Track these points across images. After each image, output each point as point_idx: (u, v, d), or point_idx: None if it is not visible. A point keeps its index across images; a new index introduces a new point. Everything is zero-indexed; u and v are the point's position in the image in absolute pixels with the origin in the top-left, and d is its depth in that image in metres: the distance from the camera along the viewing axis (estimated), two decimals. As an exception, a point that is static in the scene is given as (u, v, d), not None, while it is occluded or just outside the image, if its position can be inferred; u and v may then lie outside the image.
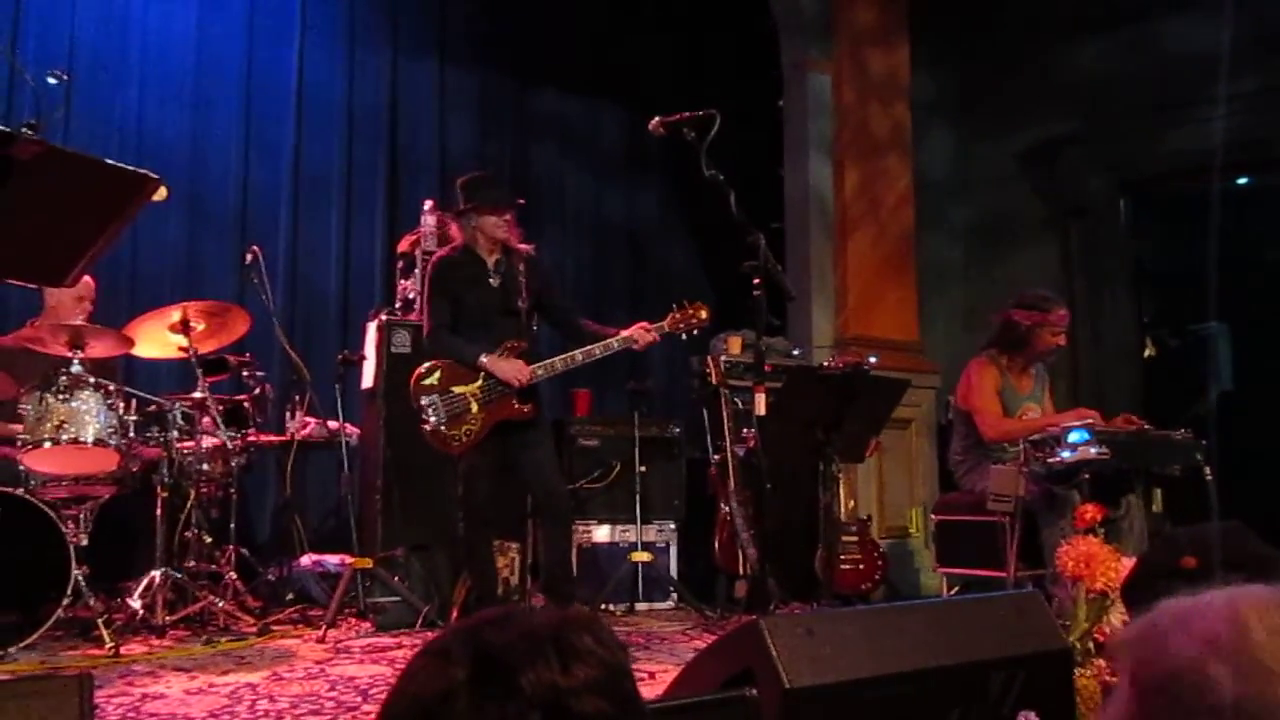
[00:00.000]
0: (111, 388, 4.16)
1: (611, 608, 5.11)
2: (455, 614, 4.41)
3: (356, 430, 5.25)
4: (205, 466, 4.61)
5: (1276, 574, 1.13)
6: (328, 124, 6.18)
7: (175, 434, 4.43)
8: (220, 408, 4.56)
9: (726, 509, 5.17)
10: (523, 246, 4.33)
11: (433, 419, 4.06)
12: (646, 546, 5.28)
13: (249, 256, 4.94)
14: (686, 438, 5.67)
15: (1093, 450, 4.13)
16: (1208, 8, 6.17)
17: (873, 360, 5.03)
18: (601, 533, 5.37)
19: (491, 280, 4.24)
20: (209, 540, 4.60)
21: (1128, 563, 2.46)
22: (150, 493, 4.37)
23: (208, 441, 4.59)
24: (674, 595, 5.32)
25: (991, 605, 2.05)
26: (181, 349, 4.49)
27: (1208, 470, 4.23)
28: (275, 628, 4.38)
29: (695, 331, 4.29)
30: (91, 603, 3.95)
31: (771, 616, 1.93)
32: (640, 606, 5.21)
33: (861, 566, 5.37)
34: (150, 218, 5.31)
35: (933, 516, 5.25)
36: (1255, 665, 0.96)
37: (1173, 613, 1.03)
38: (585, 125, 7.21)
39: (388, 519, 4.84)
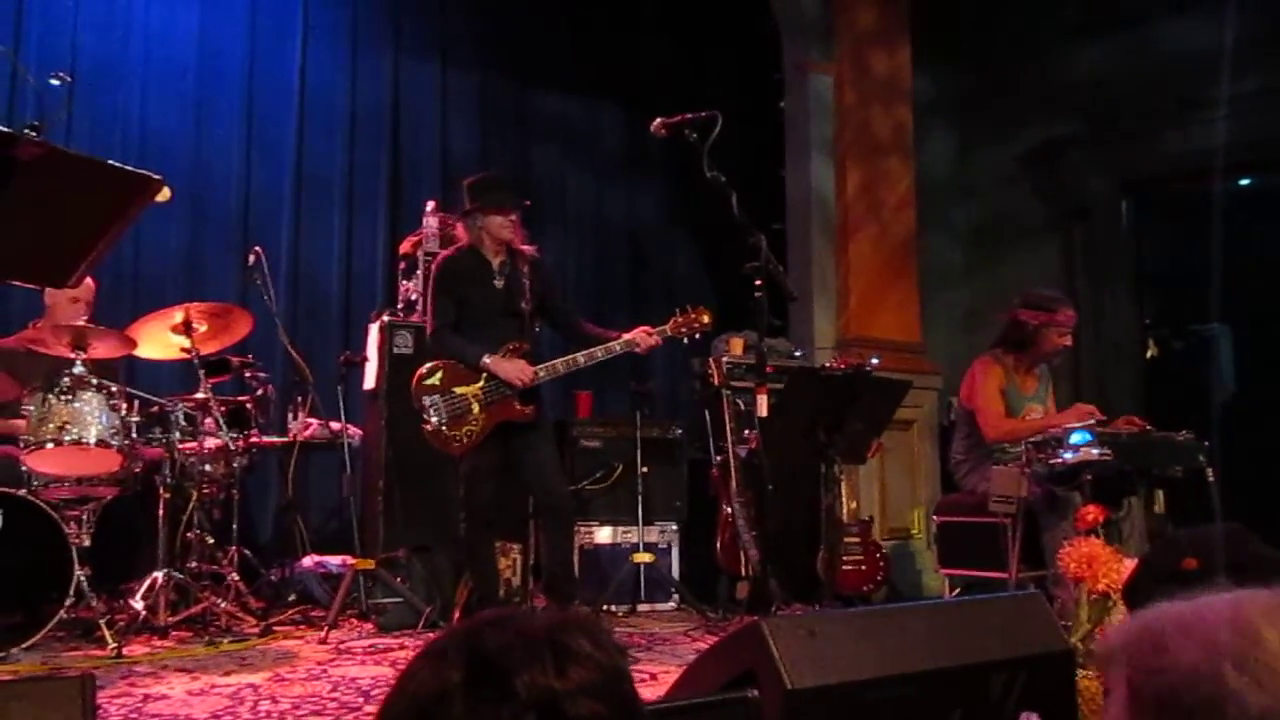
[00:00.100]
0: (114, 389, 4.16)
1: (613, 609, 5.12)
2: (457, 615, 4.41)
3: (358, 431, 5.25)
4: (207, 467, 4.61)
5: (1278, 576, 1.11)
6: (330, 125, 6.19)
7: (177, 435, 4.43)
8: (222, 409, 4.56)
9: (728, 510, 5.17)
10: (526, 248, 4.33)
11: (434, 419, 4.06)
12: (648, 548, 5.28)
13: (251, 257, 4.95)
14: (688, 439, 5.67)
15: (1094, 451, 4.13)
16: (1209, 9, 6.17)
17: (874, 361, 5.02)
18: (603, 534, 5.37)
19: (496, 281, 4.24)
20: (211, 541, 4.60)
21: (1129, 564, 2.46)
22: (152, 494, 4.37)
23: (210, 442, 4.60)
24: (676, 596, 5.32)
25: (993, 606, 2.05)
26: (184, 350, 4.49)
27: (1210, 472, 4.23)
28: (277, 629, 4.39)
29: (697, 336, 4.29)
30: (94, 604, 3.95)
31: (773, 618, 1.93)
32: (642, 607, 5.21)
33: (863, 568, 5.37)
34: (152, 219, 5.31)
35: (934, 518, 5.25)
36: (1273, 674, 0.92)
37: (1172, 619, 0.99)
38: (587, 126, 7.21)
39: (389, 520, 4.84)
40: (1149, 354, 7.21)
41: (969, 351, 5.35)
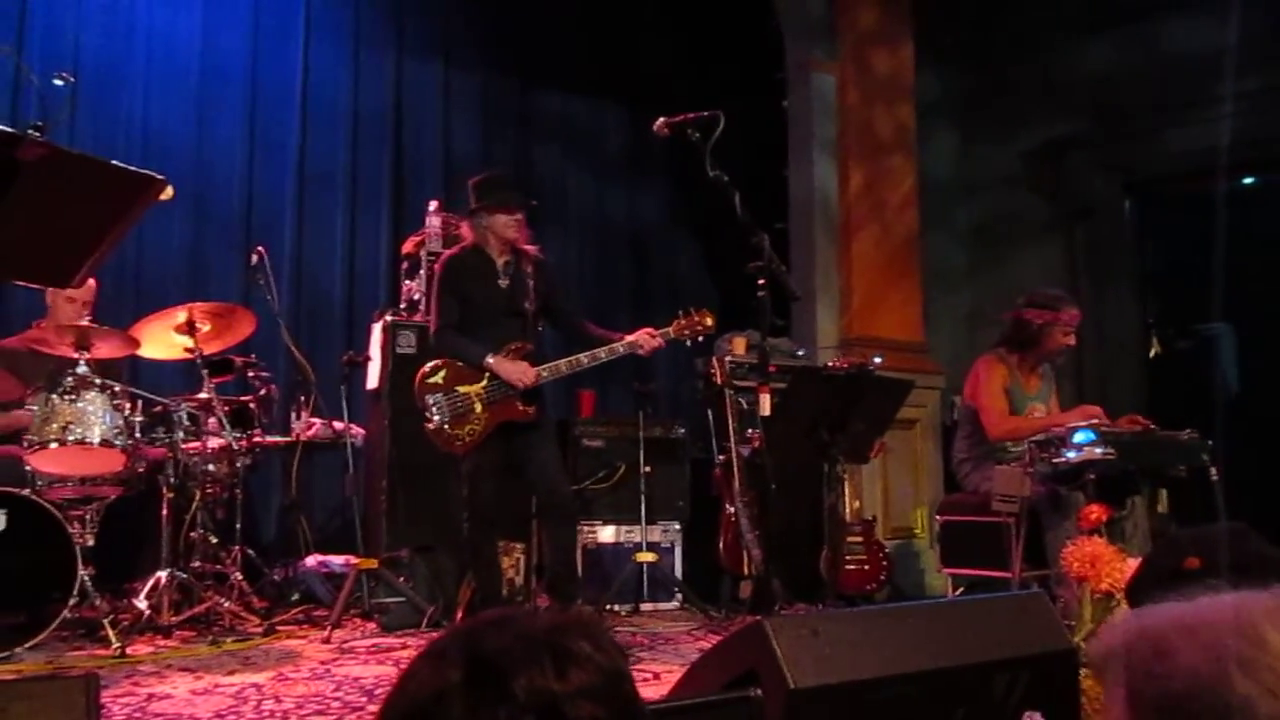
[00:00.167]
0: (117, 388, 4.17)
1: (616, 608, 5.11)
2: (460, 614, 4.41)
3: (361, 431, 5.26)
4: (211, 467, 4.62)
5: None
6: (332, 125, 6.19)
7: (181, 435, 4.44)
8: (226, 408, 4.56)
9: (731, 510, 5.17)
10: (530, 248, 4.33)
11: (436, 417, 4.06)
12: (651, 547, 5.28)
13: (254, 257, 4.95)
14: (691, 438, 5.67)
15: (1098, 451, 4.12)
16: (1212, 7, 6.15)
17: (877, 361, 5.02)
18: (606, 533, 5.38)
19: (501, 281, 4.24)
20: (214, 541, 4.61)
21: (1133, 563, 2.46)
22: (156, 493, 4.38)
23: (213, 442, 4.60)
24: (679, 596, 5.32)
25: (996, 606, 2.05)
26: (187, 350, 4.50)
27: (1213, 471, 4.22)
28: (280, 628, 4.39)
29: (700, 339, 4.29)
30: (97, 603, 3.96)
31: (776, 617, 1.93)
32: (645, 607, 5.21)
33: (866, 567, 5.37)
34: (155, 219, 5.32)
35: (937, 517, 5.24)
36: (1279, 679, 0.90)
37: (1171, 621, 0.96)
38: (589, 126, 7.21)
39: (392, 520, 4.85)
40: (1152, 353, 7.20)
41: (972, 351, 5.35)
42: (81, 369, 4.06)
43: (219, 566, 4.60)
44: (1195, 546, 1.87)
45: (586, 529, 5.24)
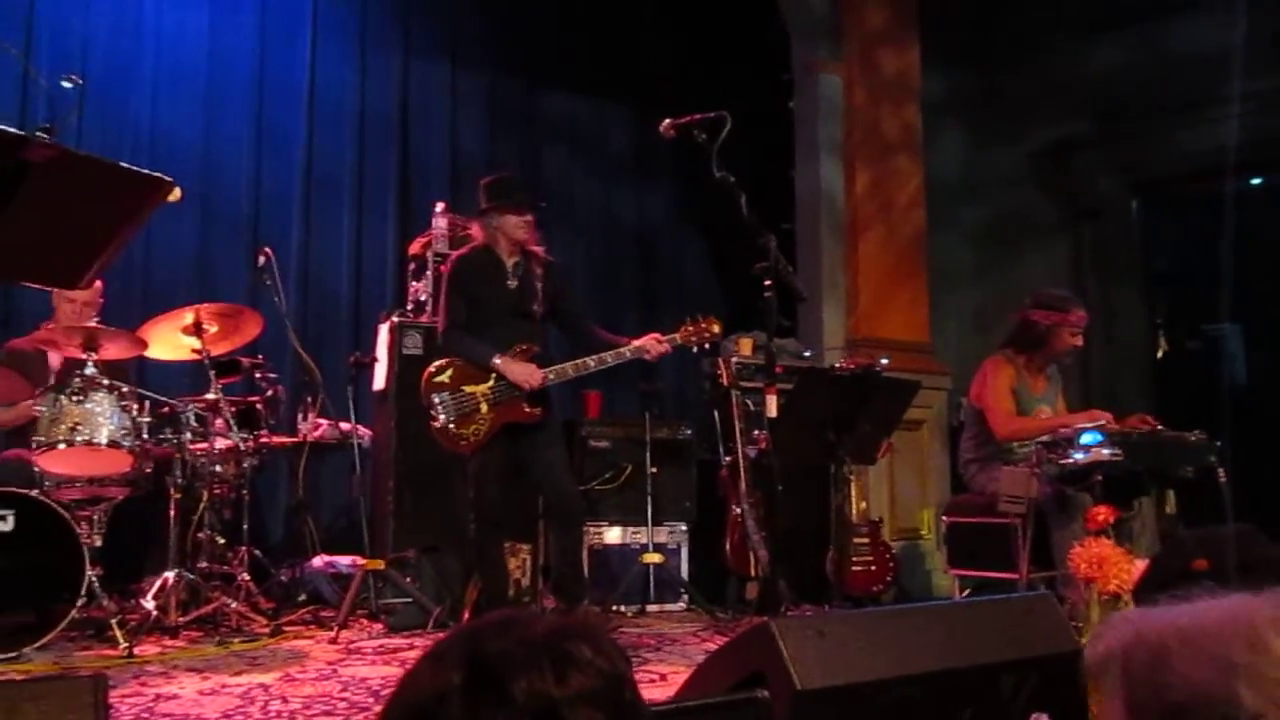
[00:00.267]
0: (125, 389, 4.18)
1: (623, 609, 5.11)
2: (466, 615, 4.42)
3: (368, 432, 5.27)
4: (218, 468, 4.62)
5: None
6: (339, 126, 6.21)
7: (188, 436, 4.45)
8: (233, 409, 4.57)
9: (737, 511, 5.17)
10: (539, 250, 4.34)
11: (442, 417, 4.06)
12: (658, 548, 5.29)
13: (261, 258, 4.96)
14: (697, 439, 5.67)
15: (1105, 452, 4.12)
16: (1220, 7, 6.14)
17: (884, 361, 5.02)
18: (612, 534, 5.38)
19: (510, 282, 4.24)
20: (222, 541, 4.62)
21: (1140, 565, 2.45)
22: (163, 494, 4.39)
23: (220, 443, 4.61)
24: (685, 597, 5.32)
25: (1003, 607, 2.04)
26: (194, 351, 4.50)
27: (1221, 472, 4.21)
28: (287, 628, 4.40)
29: (707, 345, 4.29)
30: (105, 603, 3.97)
31: (783, 618, 1.93)
32: (651, 608, 5.21)
33: (873, 568, 5.36)
34: (163, 220, 5.33)
35: (944, 518, 5.23)
36: None
37: (1171, 629, 0.93)
38: (595, 127, 7.21)
39: (399, 520, 4.85)
40: (1159, 353, 7.19)
41: (978, 351, 5.33)
42: (89, 370, 4.07)
43: (226, 567, 4.61)
44: (1203, 548, 1.87)
45: (592, 530, 5.24)
